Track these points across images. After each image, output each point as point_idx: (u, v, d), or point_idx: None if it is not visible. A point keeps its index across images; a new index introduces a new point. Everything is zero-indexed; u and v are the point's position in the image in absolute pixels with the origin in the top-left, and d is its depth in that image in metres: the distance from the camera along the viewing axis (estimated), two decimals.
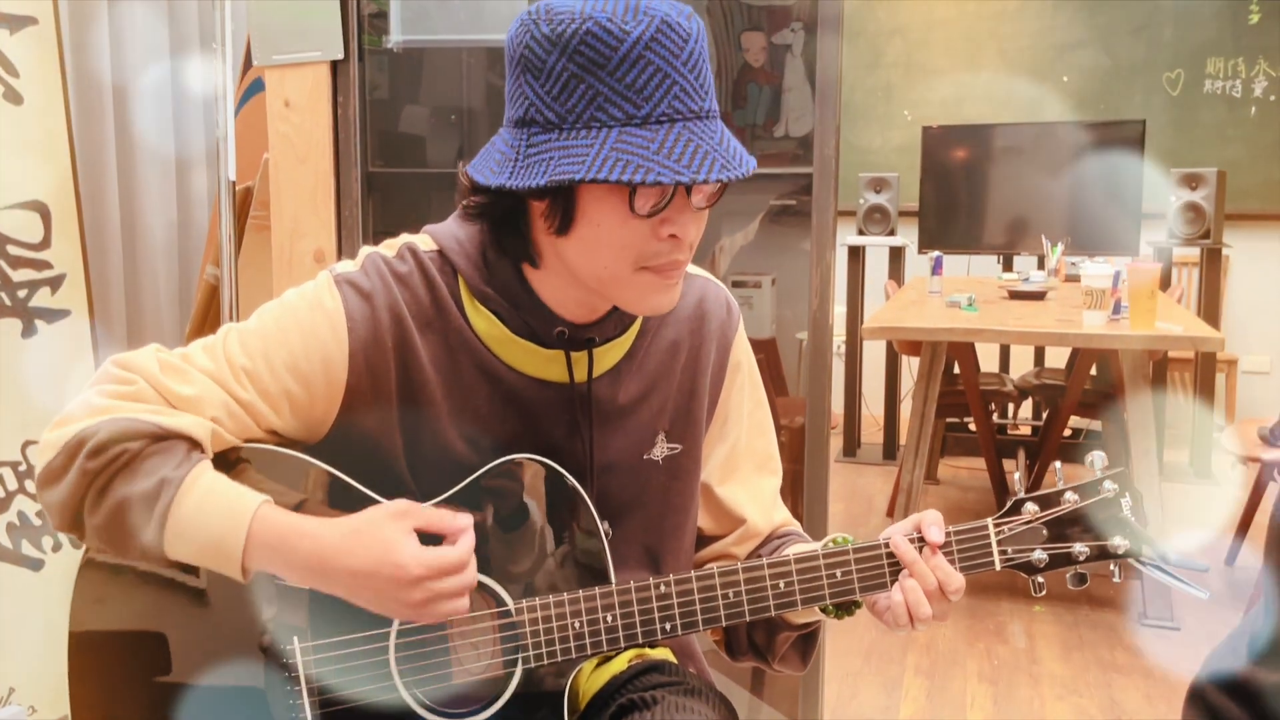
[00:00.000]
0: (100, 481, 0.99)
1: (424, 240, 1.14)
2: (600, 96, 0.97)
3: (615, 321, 1.13)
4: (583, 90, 0.97)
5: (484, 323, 1.11)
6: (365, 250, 1.14)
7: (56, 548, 2.26)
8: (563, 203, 1.01)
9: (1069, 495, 1.11)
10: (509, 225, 1.08)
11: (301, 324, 1.07)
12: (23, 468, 2.23)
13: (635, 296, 1.06)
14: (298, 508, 1.05)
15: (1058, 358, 4.49)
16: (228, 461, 1.07)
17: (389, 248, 1.14)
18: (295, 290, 1.11)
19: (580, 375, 1.13)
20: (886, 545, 1.10)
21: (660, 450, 1.19)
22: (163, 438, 1.01)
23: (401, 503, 1.03)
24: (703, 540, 1.28)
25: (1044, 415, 4.55)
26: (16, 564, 2.21)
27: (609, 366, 1.15)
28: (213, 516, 0.99)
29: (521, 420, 1.13)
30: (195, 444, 1.03)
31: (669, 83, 0.97)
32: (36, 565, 2.24)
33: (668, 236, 1.02)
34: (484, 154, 1.07)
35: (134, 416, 1.00)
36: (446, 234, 1.13)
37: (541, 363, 1.12)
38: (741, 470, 1.26)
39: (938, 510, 1.12)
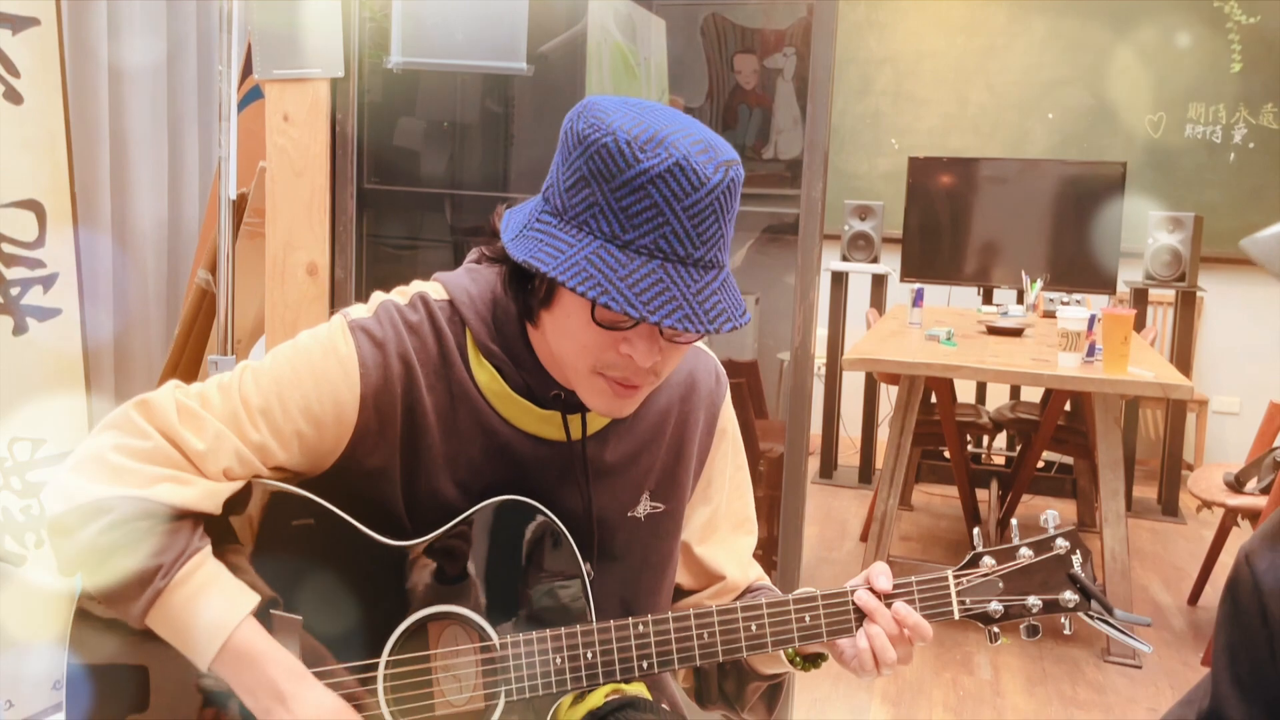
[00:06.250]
0: (106, 552, 1.04)
1: (435, 289, 1.17)
2: (596, 206, 0.99)
3: None
4: (586, 194, 1.00)
5: (486, 376, 1.15)
6: (378, 297, 1.17)
7: (39, 544, 2.28)
8: (545, 282, 1.06)
9: (1024, 551, 1.17)
10: (517, 278, 1.11)
11: (315, 367, 1.11)
12: (9, 464, 2.25)
13: (587, 394, 1.09)
14: (294, 544, 1.11)
15: (1033, 392, 4.55)
16: (232, 507, 1.11)
17: (401, 295, 1.18)
18: (309, 333, 1.15)
19: (574, 435, 1.17)
20: (853, 593, 1.16)
21: (643, 508, 1.23)
22: (172, 518, 1.06)
23: None
24: (681, 594, 1.33)
25: (1018, 447, 4.61)
26: None
27: (599, 428, 1.19)
28: (196, 618, 1.05)
29: (512, 472, 1.17)
30: (203, 520, 1.08)
31: (660, 220, 0.98)
32: (18, 561, 2.26)
33: (625, 354, 1.04)
34: (521, 206, 1.10)
35: (148, 498, 1.04)
36: (458, 286, 1.16)
37: (536, 421, 1.16)
38: (720, 530, 1.32)
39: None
